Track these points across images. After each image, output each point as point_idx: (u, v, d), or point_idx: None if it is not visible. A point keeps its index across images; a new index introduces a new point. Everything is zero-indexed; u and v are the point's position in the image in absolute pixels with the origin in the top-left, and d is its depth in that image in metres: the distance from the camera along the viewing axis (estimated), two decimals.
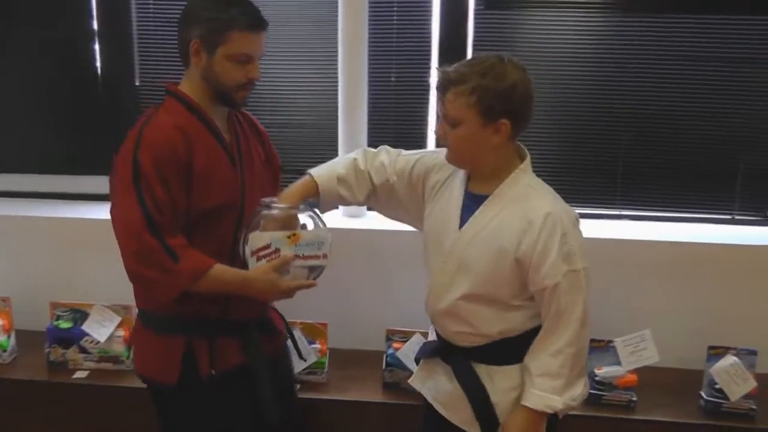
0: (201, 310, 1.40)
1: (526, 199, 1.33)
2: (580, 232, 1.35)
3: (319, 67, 2.19)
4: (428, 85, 2.20)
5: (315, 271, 1.43)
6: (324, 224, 1.46)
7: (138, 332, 1.49)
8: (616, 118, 2.18)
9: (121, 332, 2.01)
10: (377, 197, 1.53)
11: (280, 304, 1.59)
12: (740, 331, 2.00)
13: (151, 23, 2.23)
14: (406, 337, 1.94)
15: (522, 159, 1.38)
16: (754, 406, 1.85)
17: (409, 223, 1.57)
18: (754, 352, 1.88)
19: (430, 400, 1.50)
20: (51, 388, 1.96)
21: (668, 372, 1.98)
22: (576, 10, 2.12)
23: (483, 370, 1.41)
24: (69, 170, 2.38)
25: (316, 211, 1.48)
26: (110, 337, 2.00)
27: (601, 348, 1.88)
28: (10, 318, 2.07)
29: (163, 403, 1.49)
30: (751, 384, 1.84)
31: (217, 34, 1.34)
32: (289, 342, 1.67)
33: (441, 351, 1.47)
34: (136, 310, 1.99)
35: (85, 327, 2.00)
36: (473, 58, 1.32)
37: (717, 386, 1.85)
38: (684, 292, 2.09)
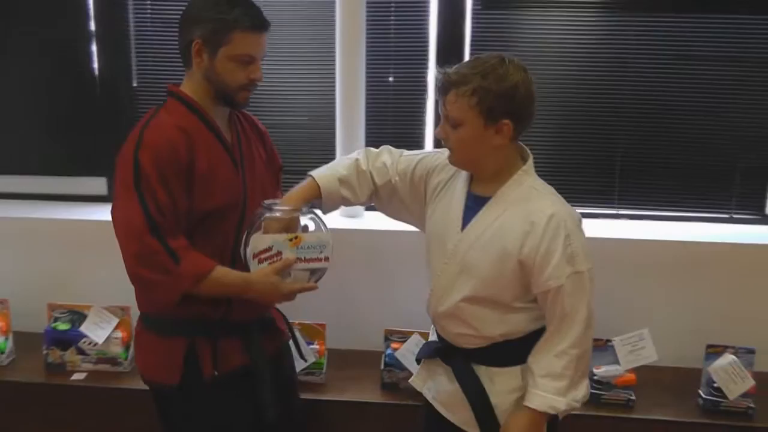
0: (203, 311, 1.40)
1: (529, 201, 1.32)
2: (583, 233, 1.34)
3: (317, 68, 2.20)
4: (426, 86, 2.20)
5: (316, 273, 1.42)
6: (326, 227, 1.45)
7: (140, 335, 1.49)
8: (613, 118, 2.19)
9: (119, 334, 2.01)
10: (379, 197, 1.52)
11: (278, 305, 1.59)
12: (738, 329, 2.00)
13: (149, 24, 2.23)
14: (404, 337, 1.94)
15: (524, 160, 1.37)
16: (752, 405, 1.85)
17: (411, 224, 1.56)
18: (752, 351, 1.89)
19: (430, 400, 1.50)
20: (49, 390, 1.96)
21: (666, 371, 1.98)
22: (573, 9, 2.12)
23: (483, 372, 1.40)
24: (66, 171, 2.38)
25: (318, 213, 1.47)
26: (108, 339, 2.00)
27: (600, 347, 1.88)
28: (8, 320, 2.07)
29: (165, 404, 1.49)
30: (749, 382, 1.84)
31: (220, 34, 1.33)
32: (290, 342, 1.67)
33: (441, 352, 1.46)
34: (134, 312, 2.01)
35: (83, 329, 2.00)
36: (474, 59, 1.30)
37: (715, 385, 1.86)
38: (682, 291, 2.09)
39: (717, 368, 1.86)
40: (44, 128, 2.35)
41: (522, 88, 1.26)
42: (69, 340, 2.00)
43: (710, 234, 2.15)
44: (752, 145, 2.18)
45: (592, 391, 1.83)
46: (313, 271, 1.41)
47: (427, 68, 2.18)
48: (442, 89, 1.30)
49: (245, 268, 1.38)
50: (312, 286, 1.42)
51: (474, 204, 1.37)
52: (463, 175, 1.41)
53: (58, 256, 2.23)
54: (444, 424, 1.46)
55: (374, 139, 2.22)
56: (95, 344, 2.00)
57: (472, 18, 2.13)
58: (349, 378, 1.99)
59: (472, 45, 2.14)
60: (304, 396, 1.85)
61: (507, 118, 1.27)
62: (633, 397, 1.88)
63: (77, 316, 2.03)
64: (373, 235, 2.12)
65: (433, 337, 1.53)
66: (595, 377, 1.87)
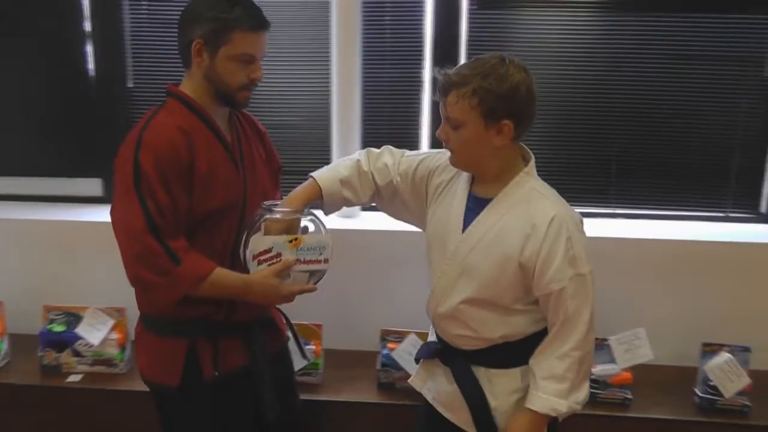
0: (205, 312, 1.40)
1: (530, 203, 1.31)
2: (584, 235, 1.33)
3: (313, 68, 2.19)
4: (422, 86, 2.20)
5: (315, 275, 1.42)
6: (325, 228, 1.45)
7: (140, 335, 1.48)
8: (609, 117, 2.19)
9: (115, 335, 2.01)
10: (381, 198, 1.52)
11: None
12: (734, 328, 2.01)
13: (144, 24, 2.22)
14: (400, 337, 1.94)
15: (526, 161, 1.36)
16: (747, 403, 1.86)
17: (413, 224, 1.56)
18: (747, 349, 1.89)
19: (430, 400, 1.50)
20: (44, 392, 1.95)
21: (663, 369, 1.99)
22: (569, 9, 2.12)
23: (482, 373, 1.40)
24: (61, 173, 2.37)
25: (318, 215, 1.47)
26: (104, 341, 1.99)
27: (596, 346, 1.86)
28: (4, 322, 2.06)
29: (166, 405, 1.48)
30: (745, 380, 1.85)
31: (220, 34, 1.32)
32: (289, 342, 1.66)
33: (441, 353, 1.45)
34: (130, 313, 2.01)
35: (79, 330, 1.99)
36: (475, 59, 1.28)
37: (711, 383, 1.86)
38: (678, 289, 2.09)
39: (713, 366, 1.87)
40: (39, 129, 2.34)
41: (523, 88, 1.25)
42: (65, 341, 1.99)
43: (706, 233, 2.16)
44: (747, 144, 2.18)
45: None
46: (312, 273, 1.41)
47: (422, 68, 2.18)
48: (443, 90, 1.29)
49: (244, 268, 1.38)
50: (311, 287, 1.41)
51: (475, 205, 1.36)
52: (465, 176, 1.40)
53: (53, 258, 2.22)
54: (445, 424, 1.46)
55: (370, 138, 2.21)
56: (91, 346, 1.99)
57: (468, 18, 2.13)
58: (345, 378, 1.99)
59: (468, 45, 2.14)
60: (300, 396, 1.85)
61: (508, 118, 1.26)
62: (629, 396, 1.88)
63: (73, 317, 2.03)
64: (369, 235, 2.12)
65: (432, 338, 1.52)
66: (592, 376, 1.87)
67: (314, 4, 2.14)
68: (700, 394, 1.88)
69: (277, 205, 1.41)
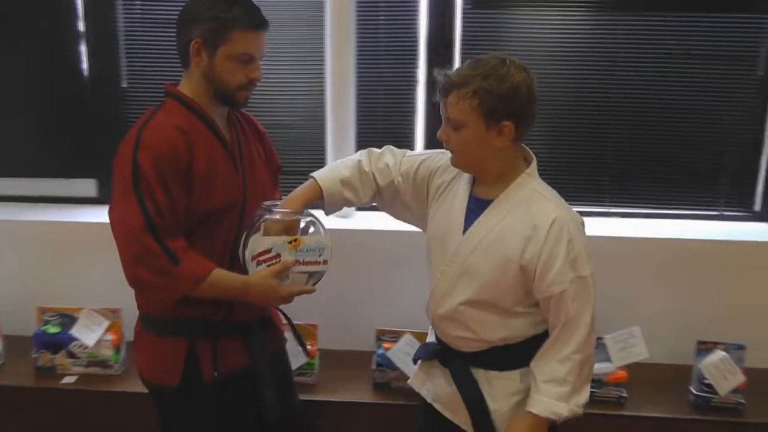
0: (205, 312, 1.39)
1: (531, 205, 1.30)
2: (585, 237, 1.32)
3: (307, 68, 2.19)
4: (416, 85, 2.20)
5: (314, 276, 1.42)
6: (325, 230, 1.45)
7: (140, 335, 1.48)
8: (603, 117, 2.19)
9: (110, 336, 2.00)
10: (382, 198, 1.51)
11: None
12: (729, 325, 2.01)
13: (138, 24, 2.21)
14: (396, 337, 1.94)
15: (528, 162, 1.35)
16: (742, 400, 1.86)
17: (414, 224, 1.55)
18: (742, 347, 1.90)
19: (430, 401, 1.49)
20: (39, 394, 1.95)
21: (658, 368, 1.99)
22: (563, 9, 2.13)
23: (482, 375, 1.39)
24: (55, 173, 2.36)
25: (317, 216, 1.46)
26: (99, 342, 1.98)
27: None
28: None
29: (165, 405, 1.48)
30: (740, 378, 1.86)
31: (219, 33, 1.32)
32: (287, 342, 1.66)
33: (440, 354, 1.45)
34: (126, 314, 2.00)
35: (74, 331, 1.99)
36: (475, 60, 1.27)
37: (706, 381, 1.87)
38: (673, 288, 2.10)
39: (708, 364, 1.87)
40: (33, 130, 2.33)
41: (523, 89, 1.25)
42: (59, 343, 1.99)
43: (701, 231, 2.16)
44: (741, 142, 2.19)
45: None
46: (311, 274, 1.40)
47: (417, 67, 2.18)
48: (443, 91, 1.28)
49: (243, 268, 1.38)
50: (310, 288, 1.41)
51: (476, 207, 1.35)
52: (466, 177, 1.39)
53: (48, 259, 2.22)
54: (444, 424, 1.45)
55: (365, 138, 2.21)
56: (86, 347, 1.98)
57: (462, 17, 2.13)
58: (340, 378, 1.98)
59: (462, 44, 2.14)
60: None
61: (508, 119, 1.25)
62: (624, 395, 1.89)
63: (67, 319, 2.02)
64: (364, 235, 2.12)
65: (431, 339, 1.51)
66: None
67: (308, 3, 2.14)
68: (695, 392, 1.89)
69: (276, 205, 1.40)
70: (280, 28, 2.15)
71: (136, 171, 1.28)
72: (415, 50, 2.16)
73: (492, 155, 1.30)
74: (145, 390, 1.83)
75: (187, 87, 1.39)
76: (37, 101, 2.30)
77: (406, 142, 2.23)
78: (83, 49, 2.24)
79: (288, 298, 1.40)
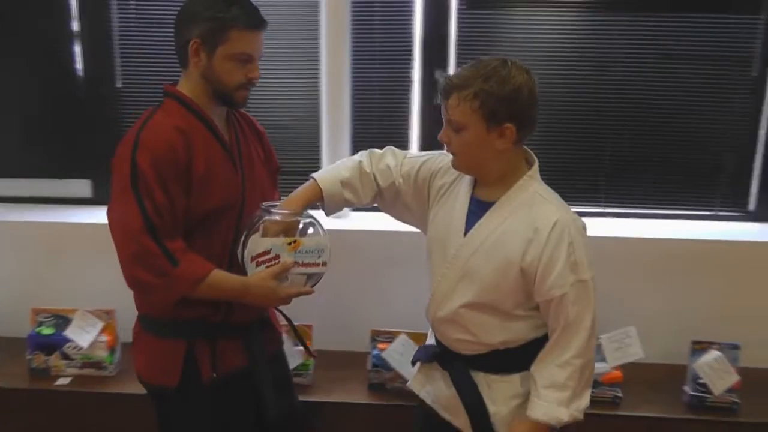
0: (203, 313, 1.39)
1: (533, 207, 1.29)
2: (586, 240, 1.31)
3: (302, 68, 2.18)
4: (411, 85, 2.20)
5: (313, 278, 1.41)
6: (324, 231, 1.44)
7: (138, 336, 1.47)
8: (599, 117, 2.19)
9: (105, 338, 1.99)
10: (383, 199, 1.50)
11: None
12: (723, 325, 2.02)
13: (133, 24, 2.20)
14: (391, 337, 1.94)
15: (530, 164, 1.35)
16: (737, 400, 1.87)
17: (415, 226, 1.53)
18: (737, 347, 1.91)
19: (430, 403, 1.48)
20: (33, 396, 1.94)
21: (653, 367, 1.99)
22: (558, 9, 2.13)
23: (481, 379, 1.38)
24: (50, 174, 2.35)
25: (316, 217, 1.46)
26: (93, 343, 1.98)
27: None
28: None
29: (164, 406, 1.48)
30: (734, 378, 1.86)
31: (218, 33, 1.32)
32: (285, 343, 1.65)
33: (440, 357, 1.44)
34: (120, 315, 2.00)
35: (68, 333, 1.98)
36: (477, 61, 1.27)
37: (701, 381, 1.87)
38: (667, 287, 2.10)
39: (702, 364, 1.88)
40: (27, 130, 2.32)
41: (525, 91, 1.24)
42: (53, 344, 1.98)
43: (695, 231, 2.17)
44: (736, 143, 2.19)
45: None
46: (309, 276, 1.40)
47: (412, 68, 2.18)
48: (444, 93, 1.27)
49: (242, 269, 1.37)
50: (308, 290, 1.41)
51: (477, 209, 1.34)
52: (467, 178, 1.38)
53: (42, 260, 2.21)
54: (444, 427, 1.45)
55: (360, 138, 2.21)
56: (80, 348, 1.98)
57: (457, 18, 2.13)
58: (336, 379, 1.98)
59: (457, 45, 2.14)
60: None
61: (510, 121, 1.24)
62: (620, 394, 1.89)
63: (62, 320, 2.01)
64: (359, 235, 2.11)
65: (431, 341, 1.50)
66: None
67: (303, 3, 2.13)
68: (690, 392, 1.89)
69: (276, 206, 1.40)
70: (275, 29, 2.13)
71: (135, 171, 1.27)
72: (410, 50, 2.16)
73: (493, 157, 1.29)
74: (140, 391, 1.83)
75: (185, 87, 1.38)
76: (31, 101, 2.29)
77: (402, 143, 2.22)
78: (78, 49, 2.23)
79: (287, 300, 1.40)
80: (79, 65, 2.25)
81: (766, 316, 2.09)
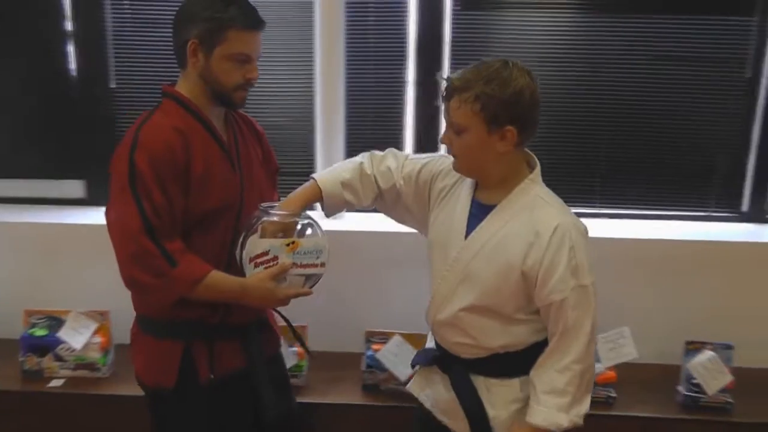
0: (201, 314, 1.39)
1: (534, 211, 1.29)
2: (588, 244, 1.30)
3: (296, 69, 2.18)
4: (405, 86, 2.19)
5: (311, 279, 1.41)
6: (322, 232, 1.44)
7: (136, 337, 1.47)
8: (593, 118, 2.20)
9: (98, 339, 1.98)
10: (384, 201, 1.49)
11: None
12: (717, 325, 2.02)
13: (127, 24, 2.19)
14: (385, 338, 1.94)
15: (532, 168, 1.34)
16: (730, 400, 1.88)
17: (416, 228, 1.52)
18: (730, 347, 1.91)
19: (429, 407, 1.47)
20: (26, 398, 1.93)
21: (646, 368, 2.00)
22: (552, 10, 2.13)
23: (481, 382, 1.38)
24: (43, 174, 2.34)
25: (315, 218, 1.45)
26: (87, 344, 1.97)
27: None
28: None
29: (161, 408, 1.47)
30: (728, 378, 1.87)
31: (216, 33, 1.32)
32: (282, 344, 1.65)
33: (439, 360, 1.43)
34: (114, 316, 1.99)
35: (61, 334, 1.97)
36: (478, 63, 1.26)
37: (694, 381, 1.88)
38: (661, 288, 2.11)
39: (696, 364, 1.88)
40: (20, 130, 2.31)
41: (527, 94, 1.23)
42: (46, 346, 1.97)
43: (689, 232, 2.17)
44: (729, 144, 2.20)
45: None
46: (308, 277, 1.40)
47: (406, 69, 2.18)
48: (446, 95, 1.27)
49: (240, 270, 1.37)
50: (307, 291, 1.40)
51: (478, 211, 1.34)
52: (468, 181, 1.38)
53: (35, 261, 2.20)
54: (442, 430, 1.44)
55: (354, 139, 2.21)
56: (73, 350, 1.97)
57: (452, 19, 2.13)
58: (330, 380, 1.98)
59: (452, 45, 2.14)
60: None
61: (511, 124, 1.24)
62: (613, 395, 1.89)
63: (55, 321, 2.00)
64: (354, 236, 2.11)
65: (430, 344, 1.49)
66: None
67: (297, 4, 2.13)
68: (684, 392, 1.90)
69: (274, 207, 1.40)
70: (270, 30, 2.11)
71: (133, 171, 1.27)
72: (405, 52, 2.16)
73: (494, 160, 1.28)
74: (134, 393, 1.82)
75: (184, 87, 1.38)
76: (24, 101, 2.28)
77: (396, 144, 2.22)
78: (71, 49, 2.22)
79: (285, 301, 1.39)
80: (72, 65, 2.24)
81: (760, 317, 2.10)
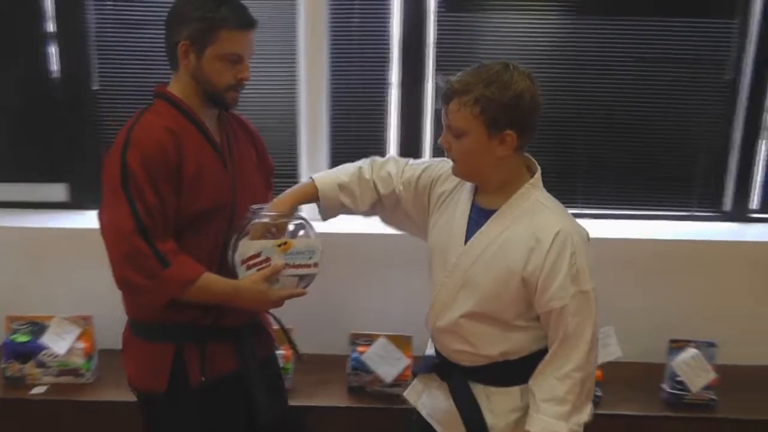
0: (193, 316, 1.38)
1: (535, 216, 1.27)
2: (589, 250, 1.29)
3: (280, 70, 2.17)
4: (389, 87, 2.20)
5: (305, 279, 1.40)
6: (315, 232, 1.43)
7: (128, 341, 1.45)
8: (575, 119, 2.21)
9: (82, 344, 1.96)
10: (383, 207, 1.48)
11: None
12: (700, 324, 2.05)
13: (110, 25, 2.17)
14: (370, 340, 1.93)
15: (532, 172, 1.33)
16: (714, 397, 1.90)
17: (416, 234, 1.50)
18: (713, 345, 1.93)
19: (425, 416, 1.46)
20: (7, 405, 1.90)
21: (631, 366, 2.01)
22: (536, 12, 2.14)
23: (480, 391, 1.36)
24: (25, 178, 2.31)
25: (306, 218, 1.45)
26: (70, 350, 1.95)
27: None
28: None
29: (153, 411, 1.46)
30: (711, 375, 1.89)
31: (207, 33, 1.31)
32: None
33: (439, 368, 1.42)
34: (97, 322, 1.97)
35: (44, 340, 1.95)
36: (479, 66, 1.25)
37: (678, 379, 1.90)
38: (644, 287, 2.12)
39: (680, 362, 1.90)
40: (1, 133, 2.28)
41: (527, 97, 1.22)
42: (28, 352, 1.94)
43: (672, 232, 2.19)
44: (710, 144, 2.23)
45: None
46: (301, 277, 1.39)
47: (390, 70, 2.18)
48: (445, 98, 1.25)
49: (232, 272, 1.36)
50: (301, 291, 1.40)
51: (478, 216, 1.32)
52: (468, 186, 1.37)
53: (17, 266, 2.17)
54: None
55: (338, 141, 2.21)
56: (56, 356, 1.94)
57: (437, 20, 2.13)
58: (315, 383, 1.97)
59: (436, 46, 2.14)
60: None
61: (511, 128, 1.23)
62: (599, 393, 1.90)
63: (37, 327, 1.98)
64: (339, 238, 2.09)
65: (430, 352, 1.48)
66: None
67: (281, 6, 2.12)
68: (668, 390, 1.91)
69: (264, 208, 1.39)
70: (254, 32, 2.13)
71: (125, 171, 1.27)
72: (389, 53, 2.16)
73: (493, 164, 1.27)
74: (118, 399, 1.81)
75: (176, 88, 1.38)
76: (5, 104, 2.25)
77: (379, 145, 2.22)
78: (53, 50, 2.20)
79: (278, 302, 1.39)
80: (55, 67, 2.21)
81: (742, 315, 2.13)
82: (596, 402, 1.88)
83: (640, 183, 2.25)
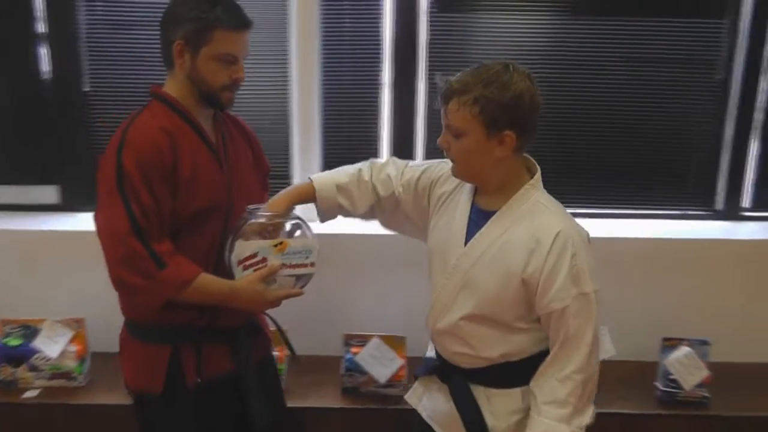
0: (189, 317, 1.37)
1: (535, 217, 1.27)
2: (590, 251, 1.28)
3: (272, 72, 2.17)
4: (381, 88, 2.19)
5: (302, 279, 1.39)
6: (311, 232, 1.43)
7: (124, 342, 1.45)
8: (567, 119, 2.21)
9: (74, 347, 1.95)
10: (383, 210, 1.47)
11: None
12: (693, 322, 2.06)
13: (101, 26, 2.16)
14: (363, 341, 1.94)
15: (532, 173, 1.32)
16: (707, 394, 1.91)
17: (416, 236, 1.50)
18: (706, 342, 1.94)
19: (425, 418, 1.45)
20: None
21: (624, 365, 2.02)
22: (528, 12, 2.14)
23: (481, 392, 1.36)
24: (15, 180, 2.29)
25: (302, 218, 1.44)
26: (62, 353, 1.94)
27: None
28: None
29: (149, 413, 1.45)
30: (704, 373, 1.90)
31: (201, 34, 1.31)
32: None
33: (439, 370, 1.42)
34: (89, 324, 1.96)
35: (36, 343, 1.94)
36: (478, 66, 1.24)
37: (671, 377, 1.91)
38: (637, 286, 2.13)
39: (673, 360, 1.91)
40: None
41: (526, 98, 1.22)
42: (21, 356, 1.93)
43: (664, 230, 2.20)
44: (702, 143, 2.24)
45: None
46: (298, 277, 1.39)
47: (381, 70, 2.18)
48: (444, 97, 1.25)
49: (229, 273, 1.36)
50: (298, 291, 1.39)
51: (478, 218, 1.32)
52: (468, 187, 1.36)
53: (8, 269, 2.15)
54: None
55: (330, 142, 2.21)
56: (49, 359, 1.93)
57: (429, 20, 2.13)
58: (309, 384, 1.97)
59: (428, 47, 2.14)
60: None
61: (510, 129, 1.22)
62: None
63: (29, 330, 1.97)
64: (332, 238, 2.06)
65: (431, 354, 1.47)
66: None
67: (273, 7, 2.12)
68: (662, 388, 1.92)
69: (260, 209, 1.39)
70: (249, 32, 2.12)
71: (120, 171, 1.27)
72: (380, 53, 2.16)
73: (492, 165, 1.26)
74: (110, 402, 1.80)
75: (171, 88, 1.38)
76: None
77: (371, 146, 2.22)
78: (44, 51, 2.18)
79: (276, 303, 1.38)
80: (45, 68, 2.20)
81: (735, 313, 2.14)
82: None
83: (631, 182, 2.26)
